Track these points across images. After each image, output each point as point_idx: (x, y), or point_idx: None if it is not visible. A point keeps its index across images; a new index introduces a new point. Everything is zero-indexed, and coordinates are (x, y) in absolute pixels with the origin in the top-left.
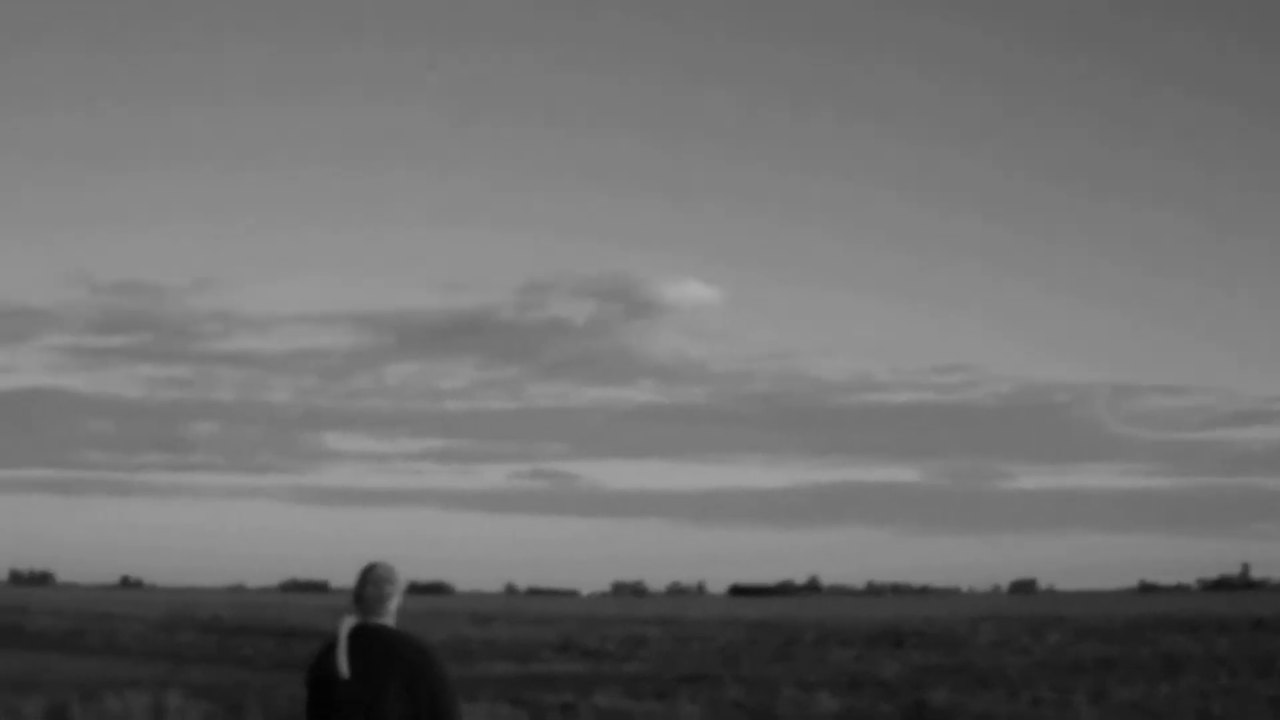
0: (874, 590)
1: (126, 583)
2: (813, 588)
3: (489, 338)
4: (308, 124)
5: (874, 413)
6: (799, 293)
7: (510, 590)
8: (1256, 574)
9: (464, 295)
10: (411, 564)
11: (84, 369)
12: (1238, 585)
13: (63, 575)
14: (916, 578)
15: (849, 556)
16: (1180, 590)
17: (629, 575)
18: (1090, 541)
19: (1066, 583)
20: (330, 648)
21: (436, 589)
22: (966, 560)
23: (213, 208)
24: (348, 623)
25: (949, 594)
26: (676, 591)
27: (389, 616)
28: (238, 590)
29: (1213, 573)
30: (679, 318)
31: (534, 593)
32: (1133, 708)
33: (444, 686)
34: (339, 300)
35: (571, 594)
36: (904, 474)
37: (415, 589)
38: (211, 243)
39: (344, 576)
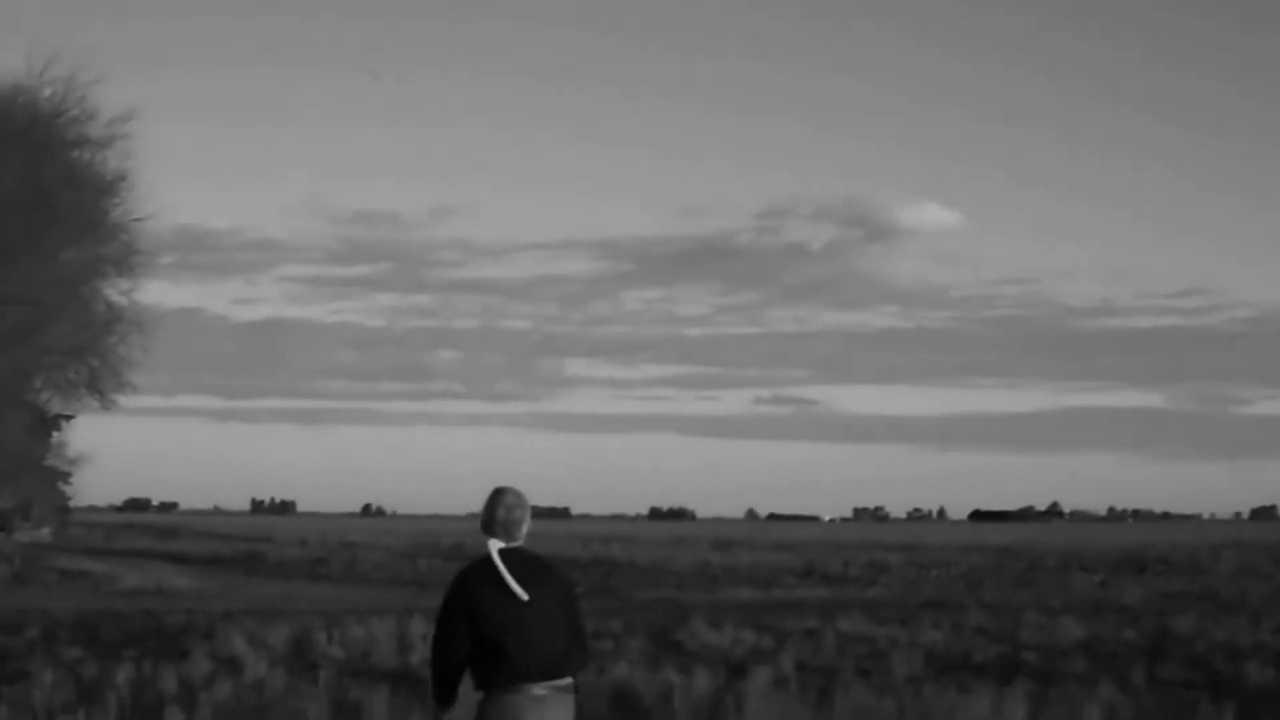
0: (1115, 515)
1: (368, 511)
2: (1054, 513)
3: (727, 263)
4: (542, 50)
5: (1116, 337)
6: (1040, 216)
7: (751, 516)
8: None
9: (701, 221)
10: (652, 490)
11: (323, 299)
12: None
13: (304, 504)
14: (1158, 503)
15: (1090, 482)
16: None
17: (870, 501)
18: None
19: None
20: (483, 571)
21: (677, 514)
22: (1208, 486)
23: (447, 136)
24: (495, 545)
25: (1190, 520)
26: (917, 517)
27: (524, 539)
28: (479, 517)
29: None
30: (919, 242)
31: (774, 518)
32: None
33: (579, 602)
34: (577, 227)
35: (812, 519)
36: (1146, 399)
37: (656, 515)
38: (448, 172)
39: (586, 502)
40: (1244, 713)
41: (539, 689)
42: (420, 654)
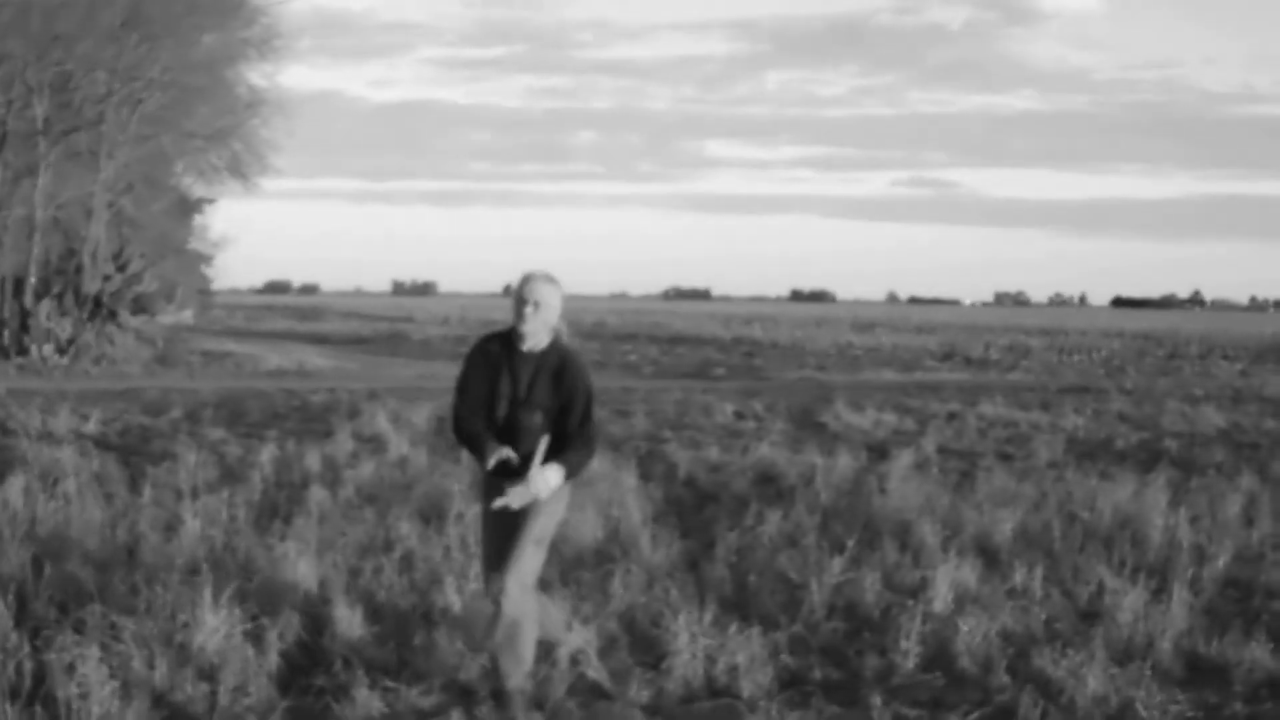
0: (1257, 305)
1: (508, 292)
2: (1195, 301)
3: (866, 44)
4: None
5: (1260, 124)
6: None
7: (892, 299)
8: None
9: (839, 2)
10: (793, 272)
11: (461, 81)
12: None
13: (445, 285)
14: None
15: (1233, 270)
16: None
17: (1011, 285)
18: None
19: None
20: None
21: (818, 297)
22: None
23: None
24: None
25: None
26: (1058, 302)
27: (542, 330)
28: (620, 298)
29: None
30: (1060, 25)
31: (915, 301)
32: None
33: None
34: (715, 7)
35: (953, 303)
36: None
37: (797, 297)
38: None
39: (726, 284)
40: None
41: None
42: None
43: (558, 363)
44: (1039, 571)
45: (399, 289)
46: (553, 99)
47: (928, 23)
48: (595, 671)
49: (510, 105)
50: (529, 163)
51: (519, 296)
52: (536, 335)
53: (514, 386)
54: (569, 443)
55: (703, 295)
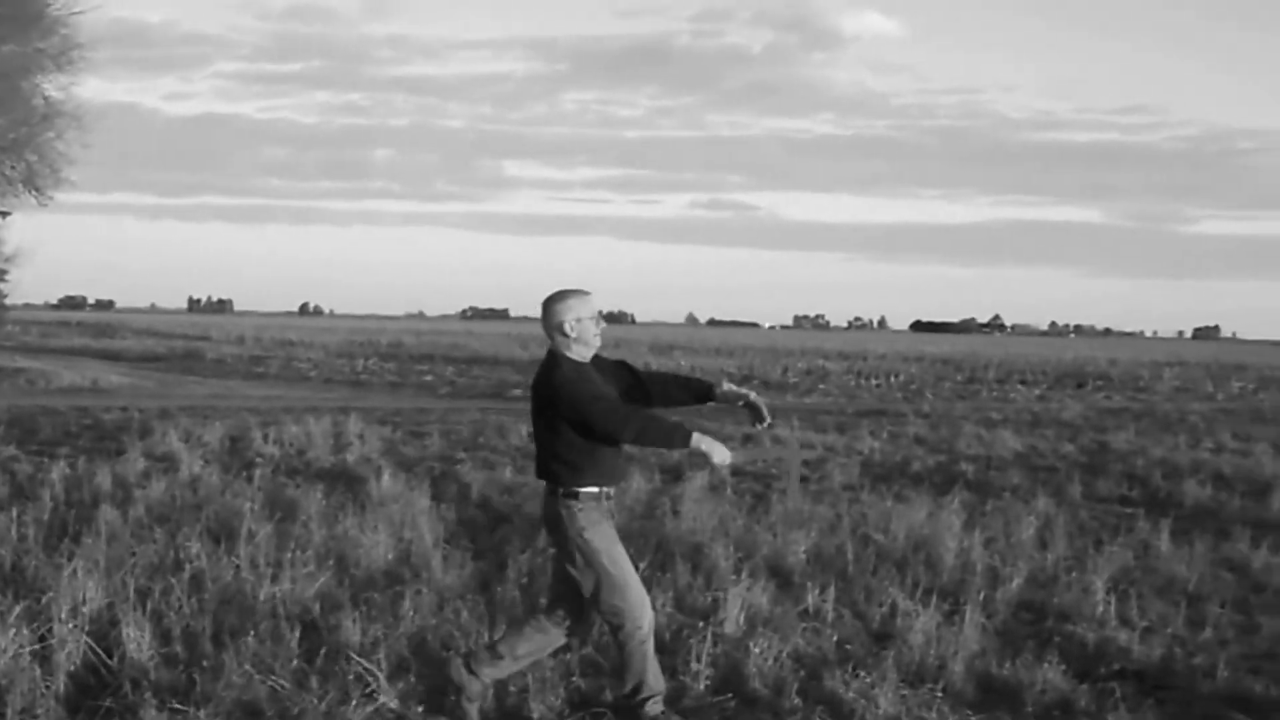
0: (1056, 331)
1: (305, 310)
2: (995, 326)
3: (665, 66)
4: None
5: (1056, 151)
6: (982, 27)
7: (691, 320)
8: None
9: (639, 22)
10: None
11: (257, 96)
12: None
13: (241, 303)
14: (1099, 319)
15: (1032, 295)
16: None
17: (810, 308)
18: (1275, 289)
19: (1250, 330)
20: None
21: (617, 319)
22: (1149, 304)
23: None
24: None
25: (1131, 337)
26: (858, 326)
27: (555, 342)
28: (417, 318)
29: None
30: (860, 49)
31: (715, 323)
32: None
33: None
34: (513, 26)
35: (753, 326)
36: (1086, 214)
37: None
38: None
39: (525, 305)
40: (1179, 529)
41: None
42: (356, 452)
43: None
44: (831, 593)
45: (195, 306)
46: (350, 115)
47: (728, 45)
48: (385, 695)
49: (307, 121)
50: (326, 180)
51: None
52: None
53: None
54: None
55: (501, 315)
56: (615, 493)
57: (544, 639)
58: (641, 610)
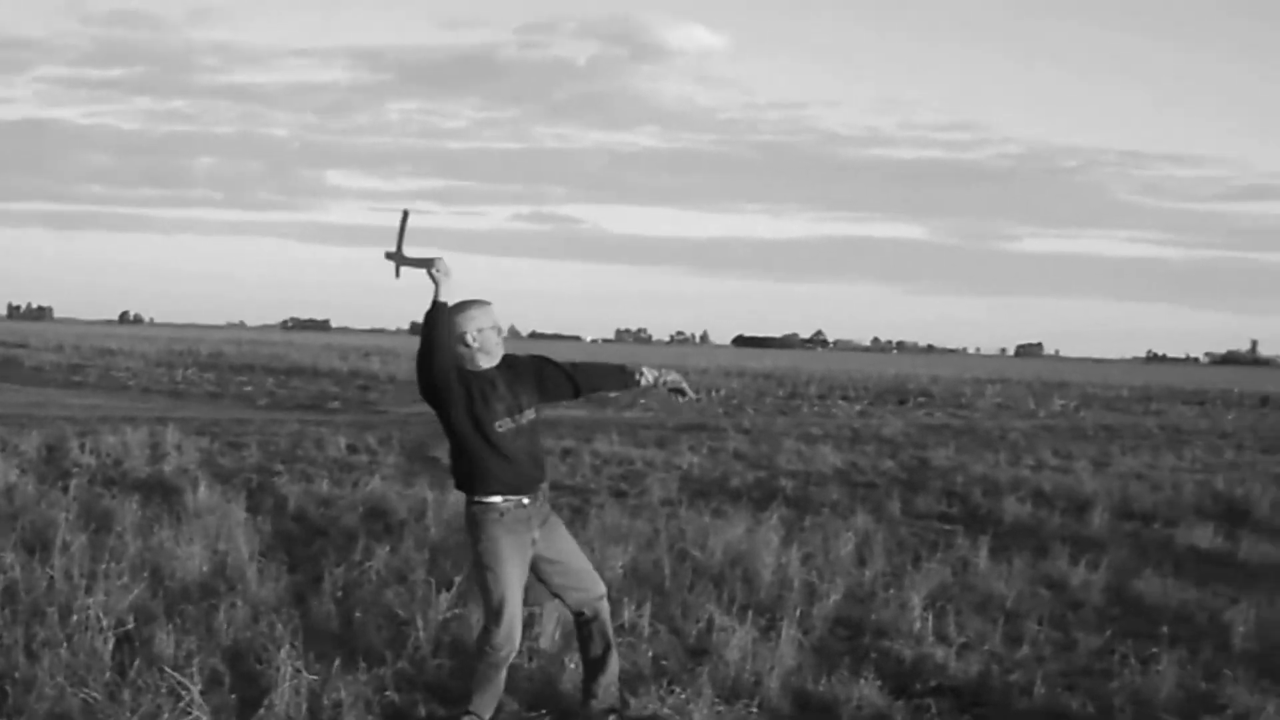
0: (879, 347)
1: (125, 319)
2: (818, 341)
3: (491, 76)
4: None
5: (881, 168)
6: (808, 42)
7: (513, 333)
8: (1265, 351)
9: (464, 33)
10: (413, 306)
11: (80, 101)
12: (1246, 361)
13: (61, 310)
14: (922, 336)
15: (855, 311)
16: (1188, 363)
17: (632, 322)
18: (1097, 308)
19: (1072, 348)
20: None
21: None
22: (972, 321)
23: None
24: None
25: (954, 354)
26: (680, 340)
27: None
28: (237, 327)
29: (1221, 347)
30: (686, 63)
31: (536, 337)
32: (1136, 478)
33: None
34: (338, 35)
35: (574, 339)
36: (910, 231)
37: (416, 329)
38: None
39: (346, 316)
40: (998, 546)
41: None
42: (173, 462)
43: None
44: (648, 609)
45: (14, 312)
46: (173, 122)
47: (553, 57)
48: (199, 709)
49: (129, 128)
50: (148, 187)
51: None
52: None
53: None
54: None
55: (321, 326)
56: (532, 503)
57: (594, 624)
58: (508, 638)
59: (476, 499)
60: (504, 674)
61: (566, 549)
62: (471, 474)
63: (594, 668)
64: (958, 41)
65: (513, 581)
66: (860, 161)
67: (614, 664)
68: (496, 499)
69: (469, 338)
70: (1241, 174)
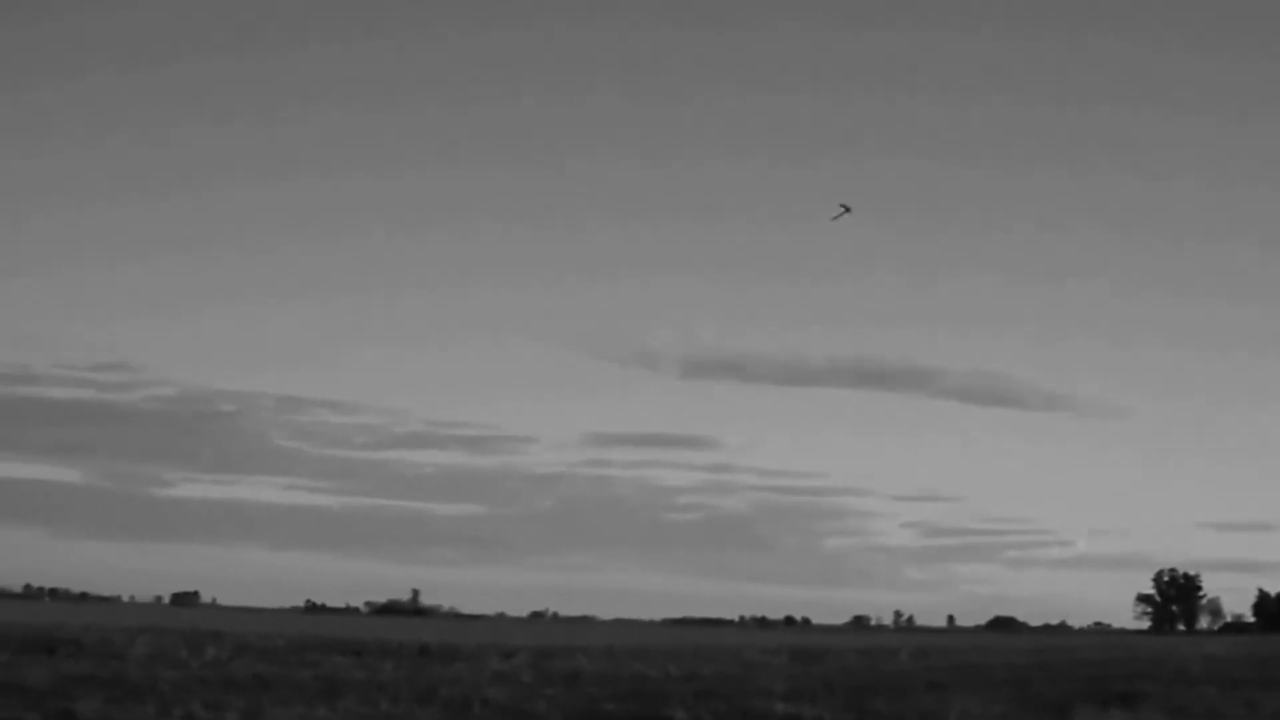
0: (31, 593)
1: None
2: None
3: None
4: None
5: (32, 407)
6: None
7: None
8: (426, 600)
9: None
10: None
11: None
12: (407, 610)
13: None
14: (77, 583)
15: (3, 556)
16: (349, 612)
17: None
18: (255, 556)
19: (230, 597)
20: None
21: None
22: (128, 567)
23: None
24: None
25: (110, 602)
26: None
27: None
28: None
29: (382, 596)
30: None
31: None
32: None
33: None
34: None
35: None
36: (62, 473)
37: None
38: None
39: None
40: None
41: None
42: None
43: None
44: None
45: None
46: None
47: None
48: None
49: None
50: None
51: None
52: None
53: None
54: None
55: None
56: None
57: None
58: None
59: None
60: None
61: None
62: None
63: None
64: (117, 280)
65: None
66: (8, 400)
67: None
68: None
69: None
70: (401, 421)
